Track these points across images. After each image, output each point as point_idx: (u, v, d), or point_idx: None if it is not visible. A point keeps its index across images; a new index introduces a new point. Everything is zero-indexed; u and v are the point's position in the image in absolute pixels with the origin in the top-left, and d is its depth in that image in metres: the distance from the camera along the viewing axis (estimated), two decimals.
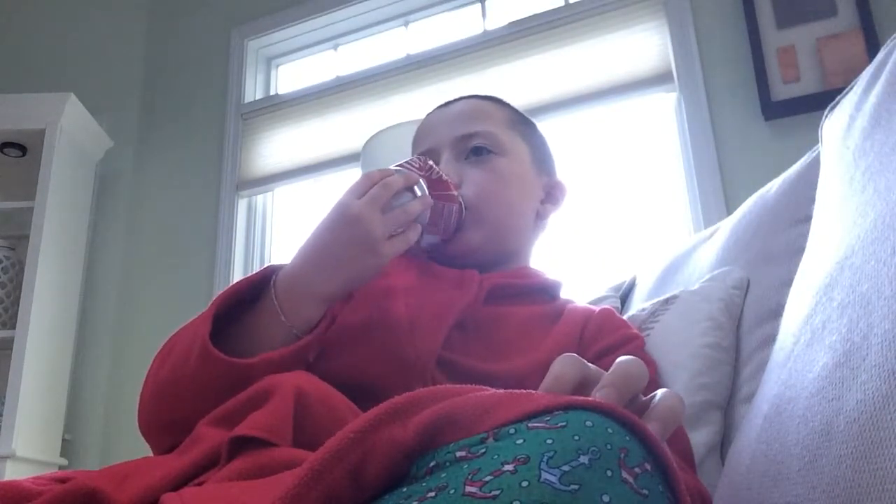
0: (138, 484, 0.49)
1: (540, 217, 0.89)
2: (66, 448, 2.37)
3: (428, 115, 0.93)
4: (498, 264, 0.83)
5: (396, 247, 0.69)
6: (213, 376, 0.62)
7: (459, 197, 0.79)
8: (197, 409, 0.61)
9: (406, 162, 0.77)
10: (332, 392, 0.59)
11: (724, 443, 0.76)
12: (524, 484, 0.31)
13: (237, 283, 0.69)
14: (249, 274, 0.71)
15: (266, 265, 0.71)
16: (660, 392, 0.43)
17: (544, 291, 0.84)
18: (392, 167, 0.74)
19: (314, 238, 0.69)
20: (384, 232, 0.67)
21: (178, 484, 0.50)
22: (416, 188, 0.72)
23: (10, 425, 2.09)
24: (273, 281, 0.68)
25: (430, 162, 0.78)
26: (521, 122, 0.91)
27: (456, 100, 0.91)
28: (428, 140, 0.88)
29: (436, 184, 0.76)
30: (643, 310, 0.94)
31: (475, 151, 0.84)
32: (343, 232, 0.67)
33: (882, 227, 0.45)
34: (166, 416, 0.66)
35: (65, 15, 2.99)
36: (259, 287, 0.69)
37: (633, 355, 0.44)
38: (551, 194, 0.91)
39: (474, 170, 0.83)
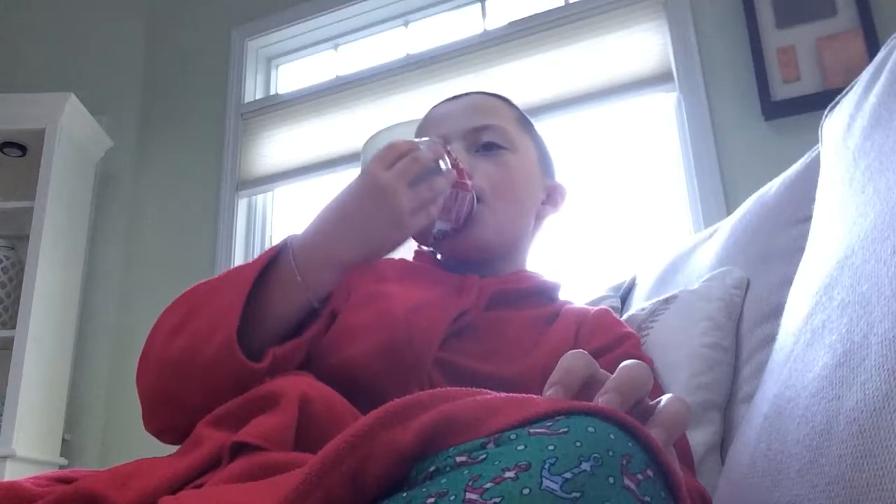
0: (139, 487, 0.49)
1: (538, 218, 0.89)
2: (66, 448, 2.37)
3: (435, 107, 0.91)
4: (498, 264, 0.83)
5: (420, 221, 0.69)
6: (226, 371, 0.61)
7: (472, 188, 0.78)
8: (203, 395, 0.60)
9: (428, 141, 0.75)
10: (336, 398, 0.59)
11: (723, 443, 0.76)
12: (525, 491, 0.30)
13: (259, 262, 0.66)
14: (260, 254, 0.68)
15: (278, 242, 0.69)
16: (665, 397, 0.43)
17: (543, 294, 0.84)
18: (416, 140, 0.73)
19: (336, 206, 0.68)
20: (410, 206, 0.67)
21: (179, 486, 0.50)
22: (440, 163, 0.71)
23: (10, 425, 2.09)
24: (289, 246, 0.67)
25: (448, 147, 0.76)
26: (527, 122, 0.92)
27: (464, 94, 0.90)
28: (436, 131, 0.86)
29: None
30: (643, 309, 0.94)
31: (487, 146, 0.83)
32: (369, 202, 0.66)
33: (882, 227, 0.45)
34: (169, 395, 0.65)
35: (65, 15, 2.99)
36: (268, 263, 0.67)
37: (629, 354, 0.44)
38: (551, 196, 0.91)
39: (485, 163, 0.82)
